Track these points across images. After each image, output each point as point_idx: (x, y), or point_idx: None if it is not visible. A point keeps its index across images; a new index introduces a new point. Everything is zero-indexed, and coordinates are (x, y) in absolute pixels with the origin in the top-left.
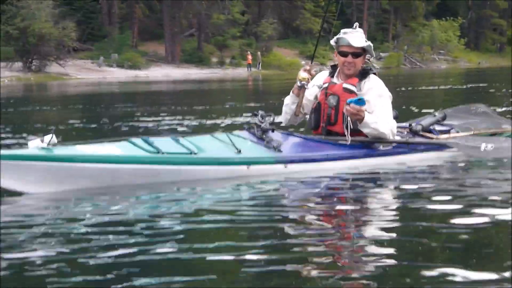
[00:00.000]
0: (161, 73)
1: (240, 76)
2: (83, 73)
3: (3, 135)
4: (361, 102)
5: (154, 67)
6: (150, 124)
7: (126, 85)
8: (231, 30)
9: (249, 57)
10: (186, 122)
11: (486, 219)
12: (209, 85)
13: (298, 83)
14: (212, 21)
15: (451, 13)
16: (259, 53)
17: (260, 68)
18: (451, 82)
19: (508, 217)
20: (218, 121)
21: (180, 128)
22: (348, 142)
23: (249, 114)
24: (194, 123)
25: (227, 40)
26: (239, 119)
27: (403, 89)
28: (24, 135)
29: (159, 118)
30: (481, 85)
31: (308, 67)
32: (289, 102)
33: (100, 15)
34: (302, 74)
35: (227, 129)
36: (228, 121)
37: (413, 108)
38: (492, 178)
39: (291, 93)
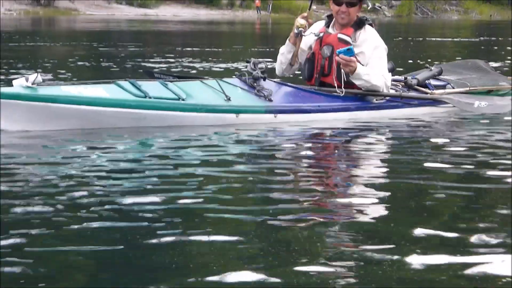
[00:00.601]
0: (170, 12)
1: (249, 18)
2: (92, 9)
3: (2, 70)
4: (350, 52)
5: (163, 6)
6: (154, 65)
7: (134, 23)
8: None
9: (258, 0)
10: (189, 65)
11: (478, 177)
12: (218, 27)
13: (295, 30)
14: None
15: None
16: None
17: (270, 11)
18: (462, 34)
19: (502, 176)
20: (223, 65)
21: (183, 70)
22: (342, 94)
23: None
24: (197, 66)
25: None
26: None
27: (414, 39)
28: (24, 71)
29: (164, 59)
30: (492, 38)
31: (306, 14)
32: (284, 51)
33: None
34: (300, 21)
35: (229, 74)
36: (233, 65)
37: (420, 61)
38: (486, 134)
39: (287, 41)
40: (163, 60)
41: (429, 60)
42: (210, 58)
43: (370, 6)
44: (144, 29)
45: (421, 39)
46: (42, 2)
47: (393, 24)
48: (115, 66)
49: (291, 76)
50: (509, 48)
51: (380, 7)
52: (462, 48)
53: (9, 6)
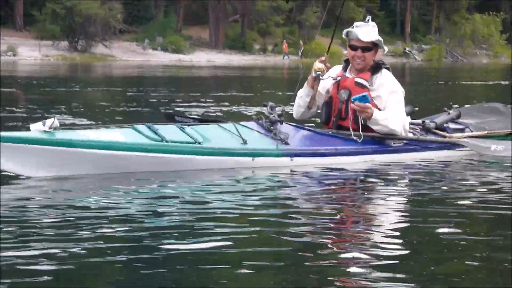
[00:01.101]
0: (204, 58)
1: (281, 63)
2: (128, 55)
3: (35, 115)
4: (365, 99)
5: (197, 51)
6: (185, 109)
7: (169, 69)
8: (275, 17)
9: (285, 45)
10: (218, 109)
11: (497, 222)
12: (249, 72)
13: (313, 74)
14: (257, 8)
15: (494, 8)
16: (301, 41)
17: (301, 56)
18: (491, 78)
19: None
20: (253, 108)
21: (212, 114)
22: (360, 140)
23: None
24: (225, 109)
25: (270, 27)
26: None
27: (444, 83)
28: (57, 116)
29: (195, 103)
30: None
31: (324, 58)
32: (303, 94)
33: None
34: (318, 65)
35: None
36: (261, 109)
37: (454, 104)
38: (505, 178)
39: (305, 85)
40: (193, 104)
41: (457, 103)
42: (240, 102)
43: (386, 50)
44: (177, 75)
45: (450, 82)
46: (79, 48)
47: (423, 68)
48: (147, 111)
49: (306, 119)
50: None
51: (410, 52)
52: (491, 90)
53: (46, 51)
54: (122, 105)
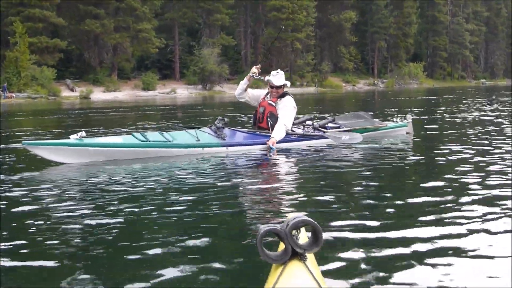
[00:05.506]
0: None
1: (308, 92)
2: (232, 91)
3: (180, 121)
4: (272, 148)
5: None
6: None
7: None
8: (306, 68)
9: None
10: (243, 119)
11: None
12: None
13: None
14: (296, 64)
15: (420, 59)
16: (316, 80)
17: (318, 87)
18: (418, 95)
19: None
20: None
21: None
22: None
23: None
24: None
25: (304, 73)
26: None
27: (393, 98)
28: (189, 123)
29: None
30: (434, 96)
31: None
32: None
33: (241, 61)
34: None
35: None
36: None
37: (396, 109)
38: (353, 151)
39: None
40: (228, 115)
41: (399, 108)
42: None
43: (289, 84)
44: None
45: (400, 98)
46: (207, 88)
47: (384, 91)
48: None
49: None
50: (441, 100)
51: (377, 83)
52: (417, 101)
53: (190, 91)
54: (220, 113)
